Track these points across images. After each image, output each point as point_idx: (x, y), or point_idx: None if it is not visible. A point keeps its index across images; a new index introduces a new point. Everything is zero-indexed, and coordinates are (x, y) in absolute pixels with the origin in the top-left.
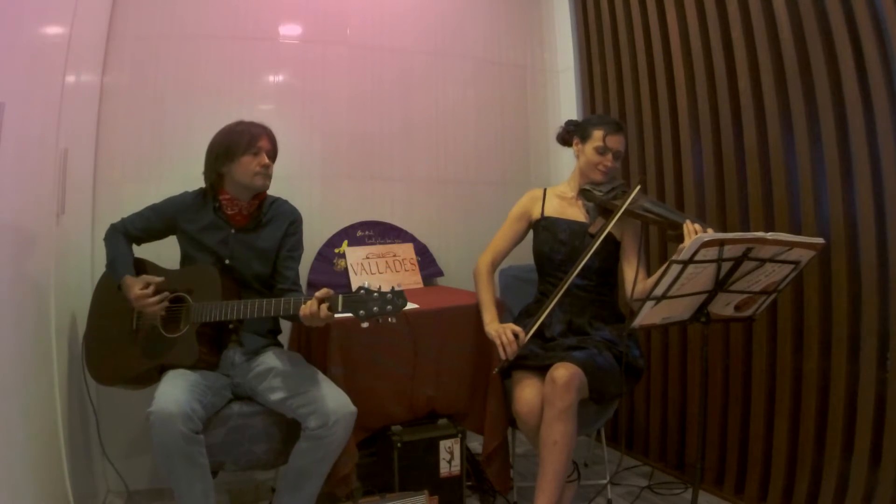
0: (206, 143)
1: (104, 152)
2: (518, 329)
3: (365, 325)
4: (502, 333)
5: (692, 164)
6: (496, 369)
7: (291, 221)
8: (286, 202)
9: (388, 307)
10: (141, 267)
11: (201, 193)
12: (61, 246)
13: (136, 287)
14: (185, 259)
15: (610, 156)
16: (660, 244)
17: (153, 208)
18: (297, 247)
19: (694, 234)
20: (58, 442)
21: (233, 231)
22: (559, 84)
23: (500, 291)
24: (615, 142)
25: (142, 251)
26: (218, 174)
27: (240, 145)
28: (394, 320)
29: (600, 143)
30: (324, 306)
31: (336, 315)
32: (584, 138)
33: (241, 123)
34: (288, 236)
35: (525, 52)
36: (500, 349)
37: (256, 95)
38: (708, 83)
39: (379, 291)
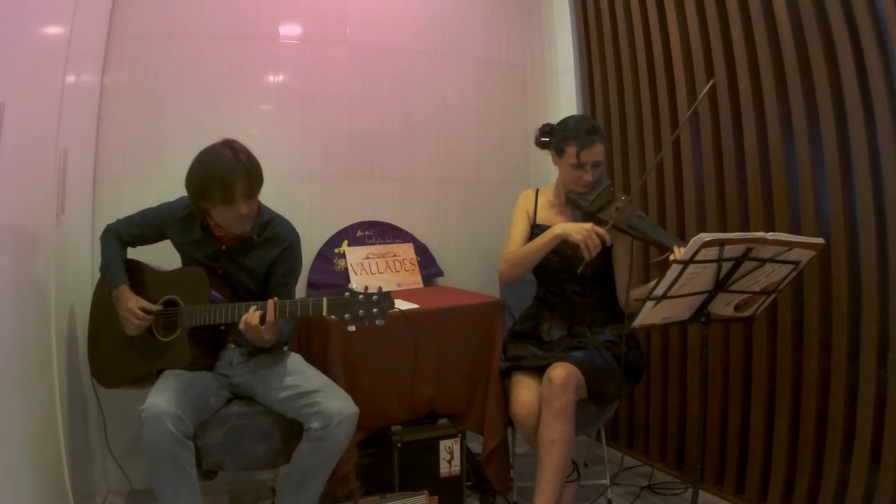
0: (206, 143)
1: (104, 152)
2: (601, 231)
3: (352, 328)
4: (588, 237)
5: (692, 164)
6: (580, 268)
7: (286, 246)
8: (283, 222)
9: (374, 309)
10: (136, 268)
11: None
12: (61, 246)
13: (131, 302)
14: (184, 261)
15: (588, 168)
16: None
17: (144, 215)
18: (291, 272)
19: None
20: (58, 442)
21: (223, 248)
22: (559, 84)
23: (501, 292)
24: (590, 154)
25: (140, 252)
26: (200, 207)
27: (214, 196)
28: (381, 323)
29: (574, 161)
30: (256, 315)
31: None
32: (559, 153)
33: (214, 165)
34: (281, 262)
35: (525, 52)
36: (585, 251)
37: (256, 95)
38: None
39: (365, 293)
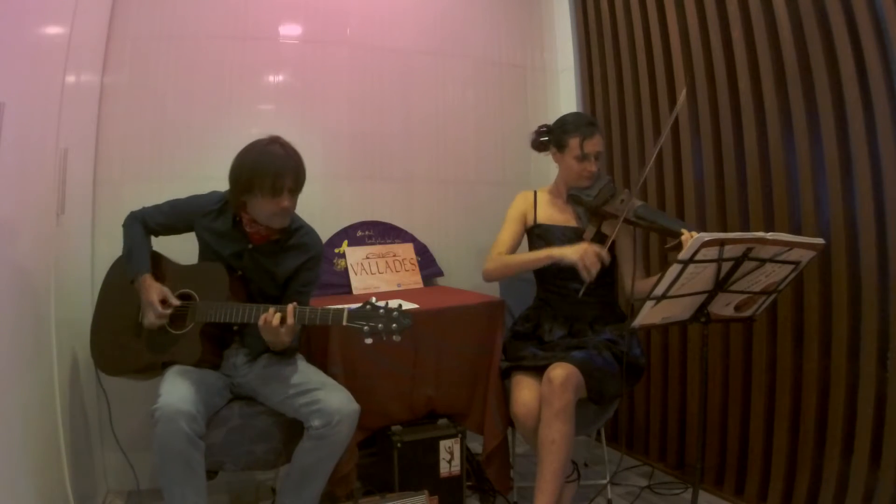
0: (206, 143)
1: (104, 152)
2: (598, 250)
3: (368, 341)
4: (585, 257)
5: (692, 164)
6: (580, 292)
7: (312, 256)
8: (312, 232)
9: (393, 325)
10: (156, 261)
11: (224, 200)
12: (61, 246)
13: (153, 293)
14: (203, 256)
15: (592, 159)
16: (658, 243)
17: (174, 205)
18: (311, 283)
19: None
20: (57, 442)
21: (249, 247)
22: (559, 84)
23: (501, 292)
24: (592, 145)
25: (156, 243)
26: (239, 199)
27: (263, 186)
28: (398, 339)
29: (578, 152)
30: (277, 316)
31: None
32: (561, 148)
33: (264, 157)
34: (304, 270)
35: (525, 53)
36: (584, 271)
37: (256, 95)
38: (708, 83)
39: (385, 308)
